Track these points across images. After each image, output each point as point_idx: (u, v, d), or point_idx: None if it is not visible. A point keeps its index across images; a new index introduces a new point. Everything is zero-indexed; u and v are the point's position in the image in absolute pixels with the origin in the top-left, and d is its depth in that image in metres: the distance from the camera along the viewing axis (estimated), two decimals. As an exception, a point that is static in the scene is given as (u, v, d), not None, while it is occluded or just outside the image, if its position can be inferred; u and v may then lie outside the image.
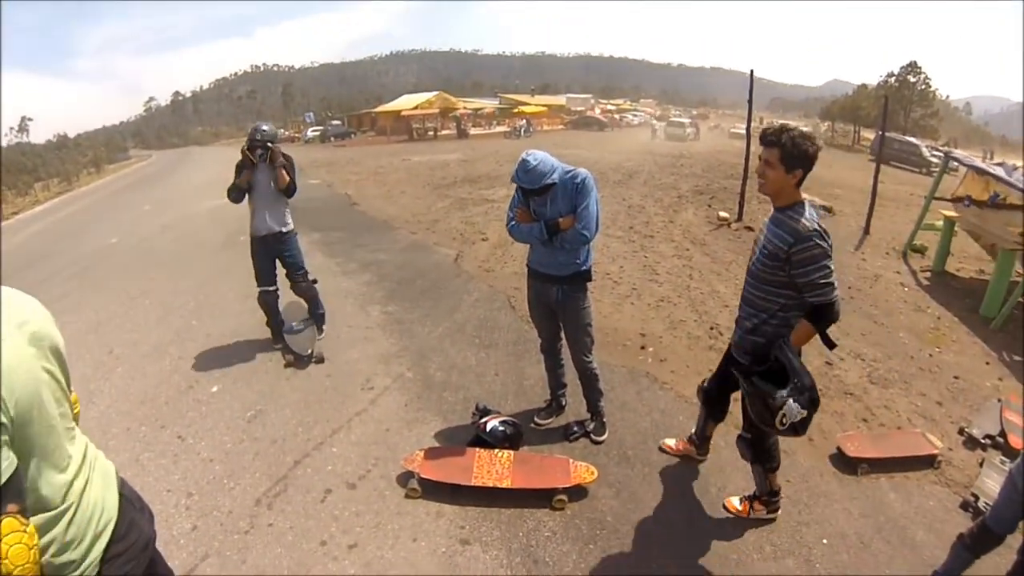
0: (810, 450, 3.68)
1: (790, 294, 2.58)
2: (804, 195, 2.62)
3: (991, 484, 3.18)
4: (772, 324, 2.68)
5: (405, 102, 56.09)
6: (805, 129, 2.68)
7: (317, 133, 51.31)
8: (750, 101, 10.69)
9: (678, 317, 5.80)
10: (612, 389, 4.24)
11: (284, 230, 4.91)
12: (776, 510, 3.07)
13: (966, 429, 3.94)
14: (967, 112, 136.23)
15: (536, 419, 3.92)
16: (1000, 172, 7.13)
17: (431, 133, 42.36)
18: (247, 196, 4.82)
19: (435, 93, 56.75)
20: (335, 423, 3.97)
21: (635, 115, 59.17)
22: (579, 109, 62.53)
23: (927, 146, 31.33)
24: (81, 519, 1.39)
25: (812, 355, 4.56)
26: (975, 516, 3.04)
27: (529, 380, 4.50)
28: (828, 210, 11.33)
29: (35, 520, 1.25)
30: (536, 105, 59.72)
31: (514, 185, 3.33)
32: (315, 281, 5.22)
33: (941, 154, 14.80)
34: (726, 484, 3.32)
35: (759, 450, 2.91)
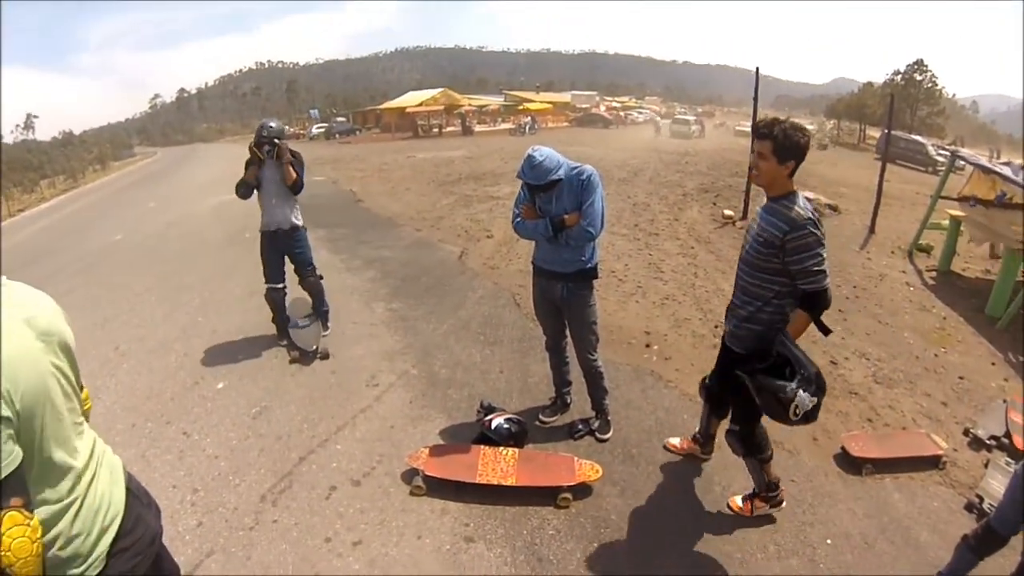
0: (814, 450, 3.68)
1: (784, 281, 2.62)
2: (799, 188, 2.63)
3: (996, 485, 3.16)
4: (767, 312, 2.71)
5: (410, 99, 56.04)
6: (796, 121, 2.70)
7: (322, 130, 51.32)
8: (755, 99, 10.66)
9: (683, 315, 5.80)
10: (617, 387, 4.24)
11: (293, 225, 4.93)
12: (779, 503, 3.07)
13: (971, 430, 3.93)
14: (974, 111, 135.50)
15: (541, 417, 3.92)
16: (1007, 171, 7.09)
17: (436, 130, 42.27)
18: (256, 192, 4.84)
19: (440, 90, 56.67)
20: (340, 420, 3.98)
21: (640, 112, 59.07)
22: (584, 106, 62.30)
23: (933, 145, 31.13)
24: (87, 513, 1.40)
25: (816, 355, 4.56)
26: (979, 517, 3.04)
27: (534, 378, 4.51)
28: (833, 209, 11.30)
29: (40, 513, 1.27)
30: (541, 102, 59.56)
31: (520, 182, 3.34)
32: (321, 277, 5.24)
33: (947, 153, 14.73)
34: (730, 483, 3.31)
35: (750, 443, 2.93)
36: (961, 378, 4.78)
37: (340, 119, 61.29)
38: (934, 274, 7.89)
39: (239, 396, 4.35)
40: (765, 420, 2.74)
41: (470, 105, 52.85)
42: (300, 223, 4.99)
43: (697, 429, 3.55)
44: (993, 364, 5.14)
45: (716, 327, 5.46)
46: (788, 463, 3.52)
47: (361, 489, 3.28)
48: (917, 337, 5.61)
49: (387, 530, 2.97)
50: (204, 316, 6.11)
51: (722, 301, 6.17)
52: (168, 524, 1.76)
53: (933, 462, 3.55)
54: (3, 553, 1.15)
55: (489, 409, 3.72)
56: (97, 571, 1.39)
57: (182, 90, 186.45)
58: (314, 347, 4.92)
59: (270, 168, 4.76)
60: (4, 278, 1.37)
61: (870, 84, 54.20)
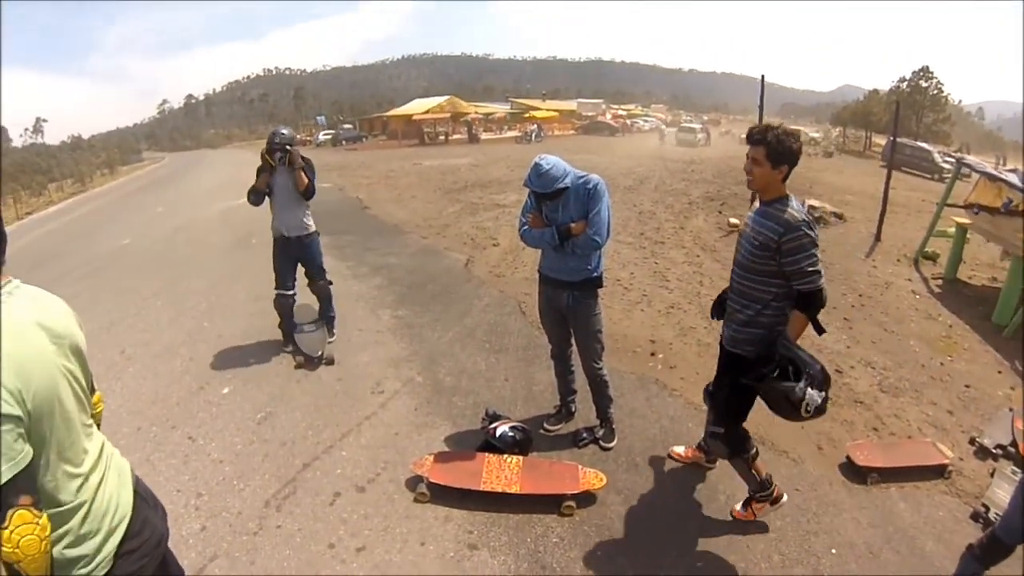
0: (819, 459, 3.67)
1: (781, 283, 2.67)
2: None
3: (1002, 494, 3.14)
4: (767, 315, 2.74)
5: (416, 106, 56.29)
6: (788, 127, 2.76)
7: (329, 137, 51.57)
8: (761, 107, 10.66)
9: (688, 324, 5.79)
10: (622, 396, 4.24)
11: (306, 232, 4.97)
12: (777, 499, 3.07)
13: (977, 439, 3.90)
14: (980, 117, 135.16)
15: (545, 425, 3.92)
16: (1013, 178, 7.07)
17: (442, 137, 42.41)
18: (267, 199, 4.88)
19: (446, 97, 56.95)
20: (345, 426, 3.99)
21: (646, 120, 59.09)
22: (590, 114, 62.37)
23: (939, 152, 31.00)
24: (96, 514, 1.43)
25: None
26: (985, 527, 3.01)
27: (539, 386, 4.51)
28: (839, 217, 11.27)
29: (49, 513, 1.29)
30: (547, 110, 59.73)
31: (527, 190, 3.36)
32: (331, 283, 5.27)
33: (953, 160, 14.68)
34: (735, 492, 3.29)
35: (735, 442, 2.95)
36: (967, 386, 4.76)
37: (347, 126, 61.61)
38: (940, 282, 7.85)
39: (244, 401, 4.36)
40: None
41: (476, 113, 53.04)
42: (313, 228, 5.04)
43: (701, 437, 3.54)
44: (999, 372, 5.12)
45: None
46: (793, 472, 3.52)
47: (365, 495, 3.29)
48: (923, 345, 5.58)
49: (391, 536, 2.97)
50: (210, 321, 6.14)
51: (727, 309, 6.17)
52: (172, 528, 1.78)
53: (939, 471, 3.53)
54: (12, 550, 1.18)
55: (494, 417, 3.73)
56: (104, 572, 1.42)
57: (190, 96, 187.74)
58: (319, 353, 4.94)
59: (282, 175, 4.81)
60: (17, 281, 1.40)
61: (876, 91, 54.04)
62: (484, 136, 43.64)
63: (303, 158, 4.85)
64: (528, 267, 7.49)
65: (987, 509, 3.16)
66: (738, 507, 3.13)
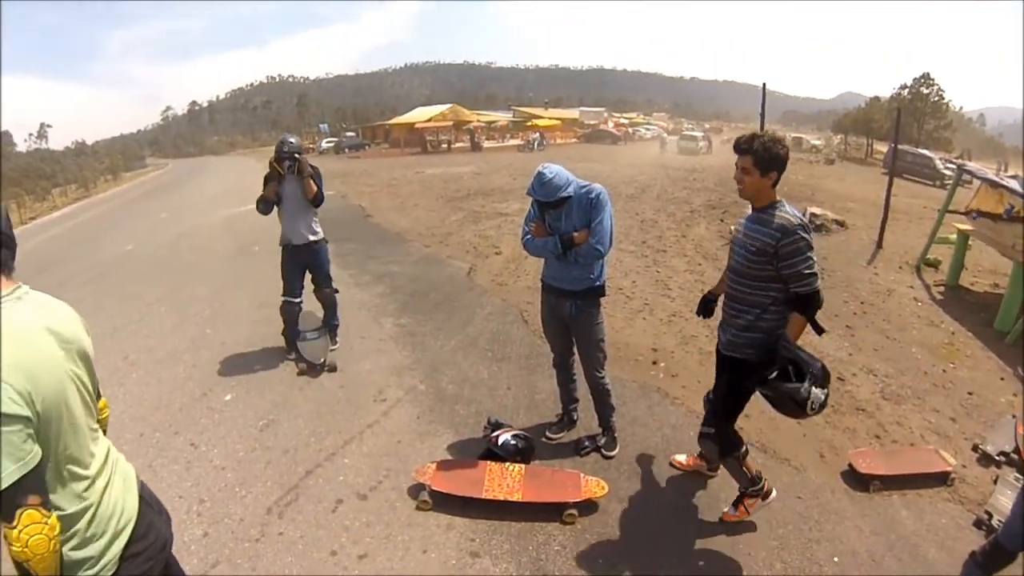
0: (821, 467, 3.66)
1: (779, 287, 2.70)
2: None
3: (1005, 501, 3.14)
4: (766, 319, 2.77)
5: (419, 114, 56.44)
6: (774, 134, 2.80)
7: (331, 144, 51.69)
8: (762, 114, 10.70)
9: (690, 332, 5.79)
10: (623, 404, 4.24)
11: (315, 239, 5.01)
12: (767, 494, 3.10)
13: (980, 446, 3.90)
14: (981, 123, 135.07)
15: (547, 433, 3.92)
16: (1014, 184, 7.07)
17: (444, 145, 42.51)
18: (275, 208, 4.92)
19: (449, 106, 57.08)
20: (347, 434, 4.00)
21: (648, 129, 59.18)
22: (592, 122, 62.55)
23: (941, 158, 31.04)
24: (102, 517, 1.45)
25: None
26: (988, 534, 3.00)
27: (541, 394, 4.51)
28: (841, 224, 11.28)
29: (56, 514, 1.31)
30: (549, 118, 59.85)
31: (530, 199, 3.38)
32: (337, 291, 5.30)
33: (954, 166, 14.68)
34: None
35: (727, 442, 2.98)
36: (970, 393, 4.75)
37: (349, 133, 61.79)
38: (942, 289, 7.85)
39: (247, 408, 4.38)
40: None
41: (479, 121, 53.14)
42: (322, 235, 5.07)
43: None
44: (1002, 379, 5.11)
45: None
46: (795, 480, 3.51)
47: (367, 503, 3.29)
48: (925, 352, 5.58)
49: (393, 544, 2.97)
50: (213, 328, 6.16)
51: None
52: (174, 534, 1.80)
53: (941, 478, 3.52)
54: (21, 549, 1.22)
55: (496, 425, 3.74)
56: (110, 574, 1.44)
57: (194, 102, 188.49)
58: (322, 360, 4.95)
59: (291, 183, 4.84)
60: (26, 287, 1.43)
61: (877, 98, 54.12)
62: (486, 144, 43.66)
63: (311, 166, 4.89)
64: (530, 276, 7.50)
65: (990, 516, 3.15)
66: (728, 510, 3.15)
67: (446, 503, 3.22)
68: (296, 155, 4.80)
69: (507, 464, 3.43)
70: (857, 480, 3.49)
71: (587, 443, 3.77)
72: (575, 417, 4.03)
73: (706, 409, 3.37)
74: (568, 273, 3.40)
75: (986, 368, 5.33)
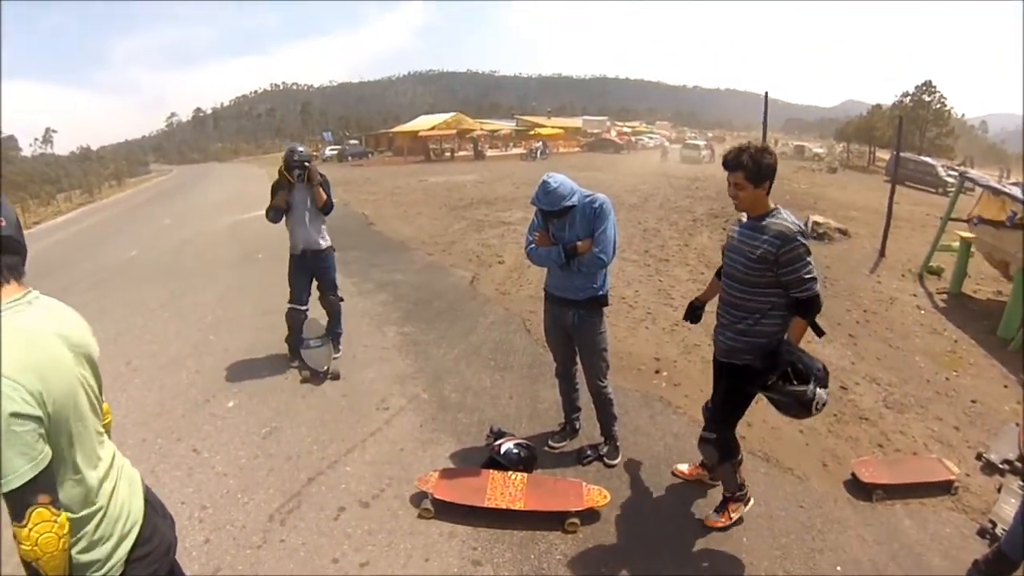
0: (824, 476, 3.65)
1: (779, 293, 2.73)
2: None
3: (1009, 510, 3.12)
4: (765, 324, 2.80)
5: (422, 122, 56.53)
6: (758, 144, 2.83)
7: (335, 152, 51.75)
8: (765, 123, 10.74)
9: (692, 341, 5.79)
10: (626, 413, 4.24)
11: (323, 247, 5.04)
12: (748, 500, 3.19)
13: (983, 454, 3.89)
14: (983, 130, 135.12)
15: (550, 442, 3.92)
16: (1016, 191, 7.08)
17: (448, 154, 42.54)
18: (284, 216, 4.95)
19: (452, 114, 57.20)
20: (350, 442, 4.00)
21: (650, 137, 59.32)
22: (595, 131, 62.61)
23: (943, 166, 31.03)
24: (109, 520, 1.47)
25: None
26: (992, 543, 2.99)
27: (543, 403, 4.51)
28: (843, 232, 11.28)
29: (67, 517, 1.33)
30: (552, 127, 59.96)
31: (534, 209, 3.40)
32: (342, 299, 5.31)
33: (957, 173, 14.69)
34: (739, 509, 3.30)
35: (727, 447, 3.00)
36: (973, 402, 4.74)
37: (353, 141, 61.94)
38: (945, 296, 7.85)
39: (249, 415, 4.38)
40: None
41: (482, 129, 53.30)
42: (329, 243, 5.12)
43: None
44: (1005, 387, 5.09)
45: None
46: (797, 489, 3.51)
47: (370, 511, 3.29)
48: (928, 361, 5.57)
49: (395, 552, 2.97)
50: (216, 334, 6.17)
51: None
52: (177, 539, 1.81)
53: (945, 487, 3.51)
54: (31, 548, 1.24)
55: (499, 434, 3.74)
56: None
57: (198, 109, 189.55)
58: (325, 368, 4.96)
59: (300, 191, 4.88)
60: (36, 292, 1.45)
61: (879, 106, 54.13)
62: (490, 153, 43.81)
63: (320, 174, 4.93)
64: (533, 285, 7.50)
65: (994, 525, 3.14)
66: (712, 516, 3.16)
67: (448, 511, 3.22)
68: (305, 164, 4.84)
69: (509, 473, 3.43)
70: (860, 489, 3.48)
71: (589, 452, 3.76)
72: (577, 426, 4.02)
73: (705, 418, 3.38)
74: (571, 282, 3.41)
75: (989, 376, 5.32)
